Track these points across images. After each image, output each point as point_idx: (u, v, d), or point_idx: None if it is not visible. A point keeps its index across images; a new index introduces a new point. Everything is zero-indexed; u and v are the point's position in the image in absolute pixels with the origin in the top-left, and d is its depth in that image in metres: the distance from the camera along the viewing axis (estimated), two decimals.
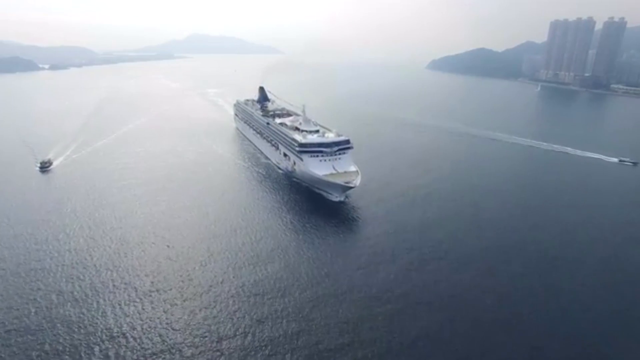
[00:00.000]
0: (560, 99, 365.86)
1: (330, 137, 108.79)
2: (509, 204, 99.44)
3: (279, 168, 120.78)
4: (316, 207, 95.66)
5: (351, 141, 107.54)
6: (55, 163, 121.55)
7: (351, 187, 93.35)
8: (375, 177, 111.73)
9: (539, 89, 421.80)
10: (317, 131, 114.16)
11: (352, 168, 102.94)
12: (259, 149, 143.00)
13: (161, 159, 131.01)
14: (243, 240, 78.22)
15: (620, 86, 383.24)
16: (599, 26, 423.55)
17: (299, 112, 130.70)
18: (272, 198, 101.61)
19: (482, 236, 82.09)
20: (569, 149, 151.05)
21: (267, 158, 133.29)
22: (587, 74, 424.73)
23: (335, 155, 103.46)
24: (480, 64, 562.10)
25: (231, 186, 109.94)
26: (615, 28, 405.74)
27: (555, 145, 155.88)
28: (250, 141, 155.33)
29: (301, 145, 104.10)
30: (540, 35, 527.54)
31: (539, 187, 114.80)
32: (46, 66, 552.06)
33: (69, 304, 58.91)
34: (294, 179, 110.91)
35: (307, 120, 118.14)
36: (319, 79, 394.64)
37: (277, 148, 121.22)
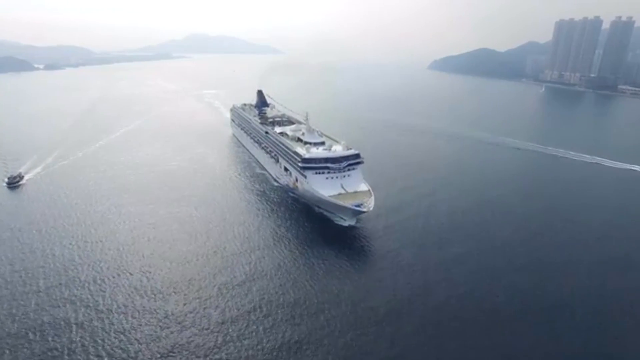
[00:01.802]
0: (566, 100, 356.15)
1: (338, 150, 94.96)
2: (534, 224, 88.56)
3: (277, 181, 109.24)
4: (321, 232, 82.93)
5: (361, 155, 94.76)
6: (27, 177, 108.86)
7: (363, 212, 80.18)
8: (389, 192, 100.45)
9: (543, 89, 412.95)
10: (323, 143, 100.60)
11: (364, 187, 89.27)
12: (256, 160, 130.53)
13: (148, 172, 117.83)
14: (230, 275, 68.05)
15: (628, 87, 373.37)
16: (605, 25, 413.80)
17: (301, 118, 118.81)
18: (269, 219, 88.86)
19: (515, 283, 66.48)
20: (586, 157, 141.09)
21: (262, 168, 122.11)
22: (593, 75, 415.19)
23: (344, 171, 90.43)
24: (482, 65, 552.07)
25: (224, 204, 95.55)
26: (623, 27, 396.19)
27: (572, 152, 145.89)
28: (247, 150, 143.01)
29: (305, 160, 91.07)
30: (543, 35, 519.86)
31: (564, 202, 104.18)
32: (41, 66, 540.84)
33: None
34: (296, 196, 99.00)
35: (310, 130, 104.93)
36: (320, 80, 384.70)
37: (277, 161, 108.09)
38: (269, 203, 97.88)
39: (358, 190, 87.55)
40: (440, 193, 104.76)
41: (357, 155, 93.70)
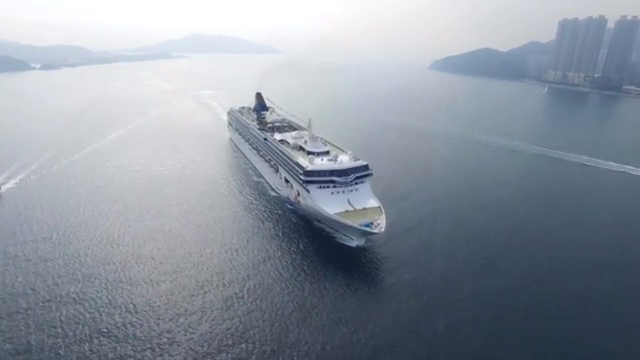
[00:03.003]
0: (570, 101, 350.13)
1: (345, 161, 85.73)
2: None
3: (276, 191, 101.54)
4: (325, 253, 73.62)
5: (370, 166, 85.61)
6: (5, 187, 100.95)
7: (374, 233, 71.28)
8: (400, 206, 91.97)
9: (545, 90, 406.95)
10: (327, 152, 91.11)
11: (373, 203, 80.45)
12: (254, 167, 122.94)
13: (136, 180, 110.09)
14: (220, 295, 61.69)
15: (634, 87, 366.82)
16: (610, 25, 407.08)
17: (302, 123, 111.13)
18: (266, 234, 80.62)
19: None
20: (600, 162, 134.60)
21: (260, 176, 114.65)
22: (597, 75, 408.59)
23: (351, 185, 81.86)
24: (484, 65, 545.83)
25: (216, 216, 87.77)
26: (628, 27, 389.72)
27: (583, 157, 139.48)
28: (245, 156, 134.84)
29: (307, 173, 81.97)
30: (545, 35, 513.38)
31: (590, 215, 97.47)
32: (37, 66, 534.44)
33: None
34: (296, 209, 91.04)
35: (313, 138, 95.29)
36: (320, 81, 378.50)
37: (277, 171, 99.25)
38: (265, 215, 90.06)
39: (367, 206, 78.73)
40: (457, 206, 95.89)
41: (365, 167, 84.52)
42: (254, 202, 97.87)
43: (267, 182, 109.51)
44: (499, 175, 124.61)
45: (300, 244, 76.88)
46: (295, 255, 73.14)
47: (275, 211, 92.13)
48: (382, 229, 70.48)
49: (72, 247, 73.59)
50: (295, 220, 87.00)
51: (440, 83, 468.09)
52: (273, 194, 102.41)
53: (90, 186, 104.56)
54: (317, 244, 77.00)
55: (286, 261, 70.64)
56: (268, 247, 75.32)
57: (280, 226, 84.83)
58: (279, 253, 73.47)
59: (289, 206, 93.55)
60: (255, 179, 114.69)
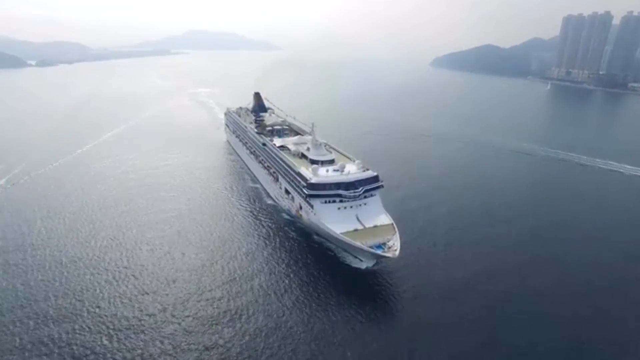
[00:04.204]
0: (574, 98, 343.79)
1: (352, 171, 77.24)
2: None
3: (275, 200, 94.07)
4: (330, 275, 65.34)
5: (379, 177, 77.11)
6: None
7: (387, 257, 62.21)
8: (414, 217, 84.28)
9: (548, 87, 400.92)
10: (332, 161, 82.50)
11: (385, 219, 71.88)
12: (251, 172, 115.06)
13: (125, 186, 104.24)
14: (202, 315, 55.62)
15: (639, 85, 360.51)
16: (616, 21, 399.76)
17: (304, 126, 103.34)
18: (260, 249, 72.94)
19: None
20: (614, 164, 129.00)
21: (257, 182, 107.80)
22: (602, 72, 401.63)
23: (360, 199, 73.28)
24: (486, 61, 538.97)
25: (207, 228, 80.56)
26: (634, 23, 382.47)
27: (597, 160, 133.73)
28: (242, 160, 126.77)
29: (311, 186, 73.32)
30: (548, 31, 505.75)
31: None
32: (33, 62, 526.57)
33: None
34: (295, 221, 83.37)
35: (317, 145, 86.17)
36: (320, 77, 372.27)
37: (277, 180, 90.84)
38: (260, 227, 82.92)
39: (378, 223, 70.52)
40: (478, 220, 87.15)
41: (375, 178, 76.16)
42: (250, 211, 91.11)
43: (263, 189, 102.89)
44: (521, 182, 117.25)
45: (300, 262, 69.64)
46: (294, 276, 65.46)
47: (272, 223, 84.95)
48: (397, 252, 61.61)
49: (55, 254, 67.80)
50: (293, 234, 79.70)
51: (441, 81, 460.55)
52: (269, 201, 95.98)
53: (72, 194, 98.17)
54: (319, 264, 68.99)
55: (284, 284, 63.40)
56: (263, 265, 68.46)
57: (277, 240, 77.69)
58: (276, 272, 66.40)
59: (286, 216, 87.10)
60: (250, 184, 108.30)
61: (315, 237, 77.02)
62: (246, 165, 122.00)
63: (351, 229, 68.31)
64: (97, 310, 55.86)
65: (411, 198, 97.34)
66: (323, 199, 72.54)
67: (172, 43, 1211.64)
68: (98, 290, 60.29)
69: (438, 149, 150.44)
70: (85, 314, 55.31)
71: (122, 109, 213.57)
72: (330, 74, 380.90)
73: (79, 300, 57.99)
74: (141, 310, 56.35)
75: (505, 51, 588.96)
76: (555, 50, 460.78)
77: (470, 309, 57.87)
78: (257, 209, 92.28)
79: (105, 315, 55.16)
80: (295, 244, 76.08)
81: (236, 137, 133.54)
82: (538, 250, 75.67)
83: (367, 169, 78.56)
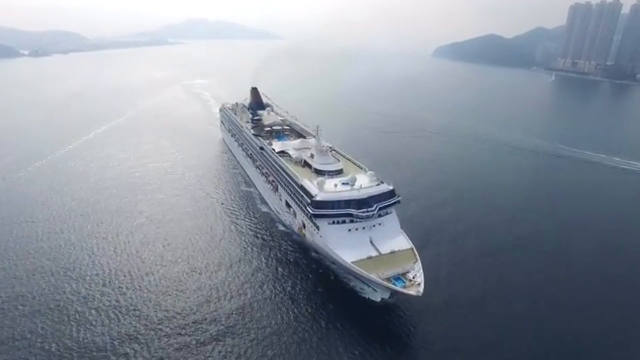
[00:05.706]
0: (579, 90, 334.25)
1: (364, 185, 65.55)
2: None
3: (274, 213, 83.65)
4: (338, 306, 56.14)
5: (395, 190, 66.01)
6: None
7: (410, 295, 51.02)
8: (440, 245, 72.06)
9: (553, 78, 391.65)
10: (340, 171, 71.76)
11: (403, 242, 61.43)
12: (248, 176, 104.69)
13: (108, 188, 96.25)
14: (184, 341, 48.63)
15: None
16: (625, 10, 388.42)
17: (306, 125, 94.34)
18: (253, 266, 64.91)
19: None
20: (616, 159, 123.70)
21: (253, 186, 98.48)
22: (610, 63, 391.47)
23: (374, 219, 62.55)
24: (489, 52, 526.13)
25: (198, 242, 72.39)
26: None
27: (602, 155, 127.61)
28: (238, 162, 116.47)
29: (317, 204, 61.91)
30: (552, 21, 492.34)
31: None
32: (26, 52, 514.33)
33: None
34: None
35: (322, 152, 74.45)
36: (318, 68, 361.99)
37: (276, 190, 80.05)
38: (258, 240, 74.20)
39: (396, 249, 59.86)
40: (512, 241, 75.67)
41: (391, 193, 64.93)
42: (246, 221, 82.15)
43: (259, 194, 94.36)
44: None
45: (298, 286, 60.42)
46: (292, 303, 56.69)
47: (271, 236, 76.04)
48: (421, 289, 50.61)
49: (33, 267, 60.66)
50: (292, 250, 70.79)
51: (445, 73, 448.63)
52: (264, 209, 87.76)
53: (51, 197, 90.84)
54: (323, 291, 59.50)
55: (281, 313, 54.71)
56: (255, 288, 60.32)
57: (273, 256, 69.06)
58: (272, 297, 57.82)
59: (281, 227, 78.85)
60: (244, 188, 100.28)
61: (315, 254, 68.32)
62: (241, 168, 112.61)
63: (364, 256, 58.11)
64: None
65: (432, 212, 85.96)
66: (330, 219, 61.92)
67: (170, 32, 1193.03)
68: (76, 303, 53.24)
69: (454, 150, 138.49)
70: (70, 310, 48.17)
71: (113, 104, 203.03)
72: (325, 67, 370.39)
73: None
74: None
75: (509, 41, 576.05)
76: (560, 40, 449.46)
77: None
78: (256, 219, 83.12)
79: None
80: (294, 262, 67.28)
81: (231, 136, 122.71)
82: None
83: (381, 182, 67.18)
